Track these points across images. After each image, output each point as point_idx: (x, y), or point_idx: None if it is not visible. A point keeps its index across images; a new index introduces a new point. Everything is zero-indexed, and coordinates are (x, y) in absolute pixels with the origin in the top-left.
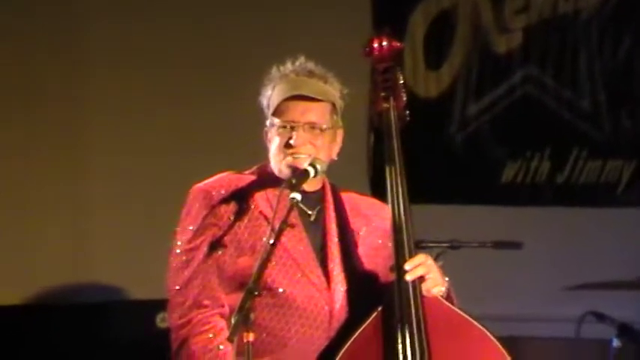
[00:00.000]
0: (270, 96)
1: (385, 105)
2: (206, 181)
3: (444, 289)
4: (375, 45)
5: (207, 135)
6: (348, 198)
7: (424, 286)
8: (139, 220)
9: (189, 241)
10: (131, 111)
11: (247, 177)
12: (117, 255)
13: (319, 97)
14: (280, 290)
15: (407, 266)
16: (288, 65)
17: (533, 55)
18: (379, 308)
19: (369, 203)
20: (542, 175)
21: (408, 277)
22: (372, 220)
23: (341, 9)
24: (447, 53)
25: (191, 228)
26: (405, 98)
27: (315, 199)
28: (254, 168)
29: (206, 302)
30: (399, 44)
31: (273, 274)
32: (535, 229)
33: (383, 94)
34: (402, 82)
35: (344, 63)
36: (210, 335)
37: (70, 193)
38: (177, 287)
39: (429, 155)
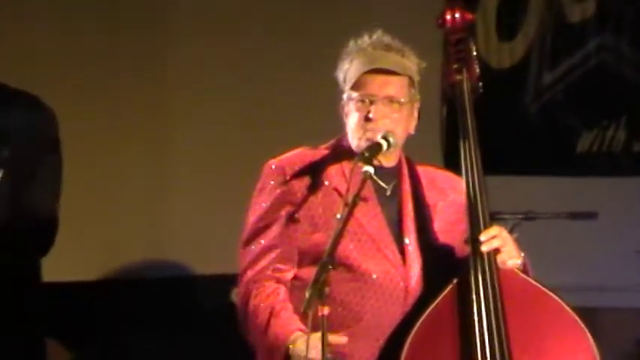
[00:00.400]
0: (348, 69)
1: (458, 77)
2: (280, 157)
3: (519, 261)
4: (448, 17)
5: (286, 109)
6: (425, 172)
7: (499, 259)
8: (216, 195)
9: (262, 218)
10: (212, 86)
11: (322, 152)
12: (194, 230)
13: (398, 71)
14: (356, 265)
15: (482, 237)
16: (366, 39)
17: (608, 23)
18: (454, 281)
19: (445, 177)
20: (619, 145)
21: (484, 249)
22: (448, 194)
23: None
24: (521, 23)
25: (264, 205)
26: (477, 70)
27: (391, 173)
28: (330, 142)
29: (272, 274)
30: (471, 16)
31: (349, 248)
32: (611, 198)
33: (456, 65)
34: (474, 53)
35: (417, 35)
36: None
37: (149, 170)
38: (247, 262)
39: (503, 126)
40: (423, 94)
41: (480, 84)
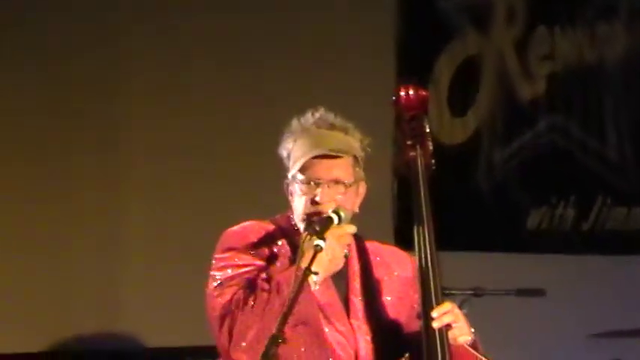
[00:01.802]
0: (292, 149)
1: (412, 153)
2: (237, 226)
3: (469, 338)
4: (402, 93)
5: (232, 185)
6: (372, 247)
7: (451, 335)
8: (170, 266)
9: (229, 278)
10: (165, 156)
11: (274, 224)
12: (145, 302)
13: (342, 153)
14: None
15: (434, 314)
16: (309, 117)
17: (558, 103)
18: (406, 355)
19: (391, 252)
20: (568, 223)
21: (435, 325)
22: (394, 269)
23: (365, 54)
24: (473, 100)
25: (228, 266)
26: (431, 147)
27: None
28: (277, 217)
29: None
30: (425, 92)
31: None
32: (559, 276)
33: (410, 142)
34: (428, 130)
35: (369, 111)
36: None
37: (104, 239)
38: (217, 314)
39: (455, 202)
40: (374, 170)
41: (433, 161)
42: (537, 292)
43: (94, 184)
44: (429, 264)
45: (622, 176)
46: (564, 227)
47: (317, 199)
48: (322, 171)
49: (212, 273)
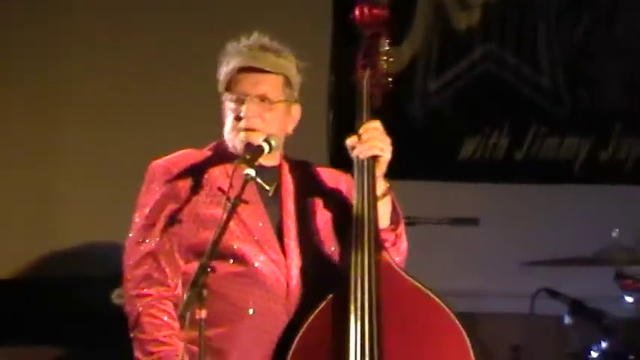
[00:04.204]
0: (224, 72)
1: (361, 72)
2: (164, 158)
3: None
4: (357, 12)
5: (172, 114)
6: (307, 169)
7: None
8: (101, 196)
9: (147, 218)
10: (104, 90)
11: (205, 153)
12: (77, 231)
13: (270, 69)
14: (243, 259)
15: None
16: (243, 40)
17: (493, 31)
18: (330, 297)
19: (327, 173)
20: (501, 152)
21: (361, 151)
22: (331, 189)
23: None
24: (407, 30)
25: (150, 204)
26: (385, 66)
27: (272, 174)
28: (212, 144)
29: (157, 277)
30: (380, 11)
31: (236, 246)
32: (492, 205)
33: (361, 61)
34: (386, 48)
35: (306, 39)
36: (166, 318)
37: (37, 173)
38: (131, 262)
39: (389, 131)
40: (309, 96)
41: (389, 79)
42: (471, 221)
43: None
44: (366, 204)
45: (556, 105)
46: (498, 156)
47: (241, 114)
48: (248, 86)
49: (134, 216)
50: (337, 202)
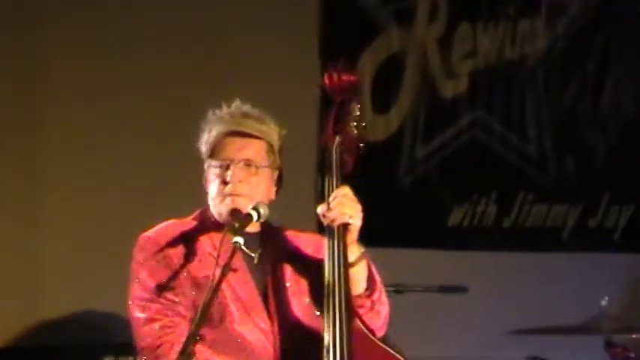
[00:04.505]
0: (207, 139)
1: (330, 138)
2: (152, 230)
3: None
4: (327, 79)
5: (158, 187)
6: (288, 235)
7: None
8: (88, 264)
9: (146, 290)
10: (86, 154)
11: (190, 222)
12: (65, 299)
13: (255, 134)
14: (232, 328)
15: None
16: (224, 108)
17: (480, 100)
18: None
19: (307, 237)
20: (489, 219)
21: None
22: (311, 255)
23: (288, 52)
24: (395, 97)
25: (145, 277)
26: (355, 131)
27: (255, 240)
28: (195, 213)
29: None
30: (351, 78)
31: (227, 312)
32: (481, 273)
33: (331, 128)
34: (356, 114)
35: (293, 110)
36: None
37: (22, 243)
38: (142, 332)
39: (377, 199)
40: (298, 162)
41: (361, 145)
42: (459, 289)
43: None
44: (336, 272)
45: (542, 173)
46: (486, 224)
47: (227, 179)
48: (234, 151)
49: (132, 291)
50: (318, 266)
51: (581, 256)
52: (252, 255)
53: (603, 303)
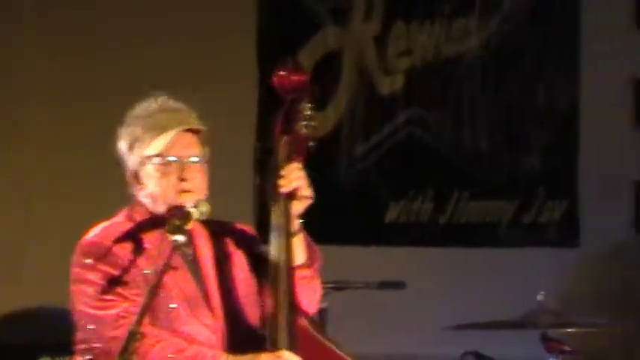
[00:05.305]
0: (140, 135)
1: (278, 137)
2: (91, 234)
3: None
4: (276, 78)
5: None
6: (218, 227)
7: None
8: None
9: (97, 288)
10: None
11: (125, 223)
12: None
13: (199, 129)
14: (179, 329)
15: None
16: (153, 104)
17: (416, 96)
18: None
19: (231, 222)
20: (425, 216)
21: (284, 190)
22: (240, 243)
23: (226, 48)
24: (332, 94)
25: (96, 276)
26: (305, 130)
27: (188, 237)
28: (123, 214)
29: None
30: (300, 77)
31: (174, 314)
32: (419, 269)
33: (279, 128)
34: (307, 113)
35: (231, 110)
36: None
37: None
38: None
39: (315, 195)
40: (235, 161)
41: (310, 144)
42: (397, 285)
43: None
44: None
45: (478, 169)
46: (422, 220)
47: (185, 178)
48: (182, 148)
49: (78, 300)
50: (251, 240)
51: (517, 252)
52: (189, 252)
53: (540, 297)
